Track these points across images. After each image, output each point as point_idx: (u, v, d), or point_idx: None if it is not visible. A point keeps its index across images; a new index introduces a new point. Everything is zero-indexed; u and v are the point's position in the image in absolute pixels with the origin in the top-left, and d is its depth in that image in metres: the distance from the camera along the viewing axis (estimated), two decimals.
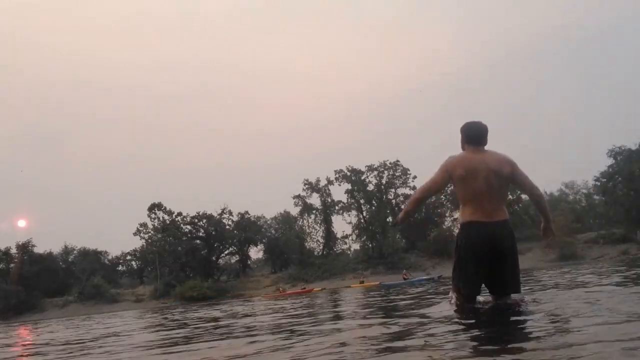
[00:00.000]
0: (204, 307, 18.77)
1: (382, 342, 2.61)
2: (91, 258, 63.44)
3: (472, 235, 3.36)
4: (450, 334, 2.58)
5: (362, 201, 59.53)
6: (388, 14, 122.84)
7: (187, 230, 60.41)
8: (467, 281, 3.41)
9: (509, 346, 2.13)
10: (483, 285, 3.48)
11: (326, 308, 7.46)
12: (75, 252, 65.76)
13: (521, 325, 2.71)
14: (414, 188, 59.64)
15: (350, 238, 61.62)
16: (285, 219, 64.11)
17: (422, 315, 3.68)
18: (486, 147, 3.54)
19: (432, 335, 2.64)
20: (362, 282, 38.61)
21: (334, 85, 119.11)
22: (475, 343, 2.29)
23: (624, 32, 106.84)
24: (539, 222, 3.81)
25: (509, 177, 3.38)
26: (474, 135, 3.53)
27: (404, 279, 33.66)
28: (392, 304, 6.29)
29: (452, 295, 3.61)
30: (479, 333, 2.59)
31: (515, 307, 3.27)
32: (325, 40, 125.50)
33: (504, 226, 3.36)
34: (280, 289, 41.01)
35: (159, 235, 57.65)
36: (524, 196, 56.88)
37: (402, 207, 56.52)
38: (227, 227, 60.31)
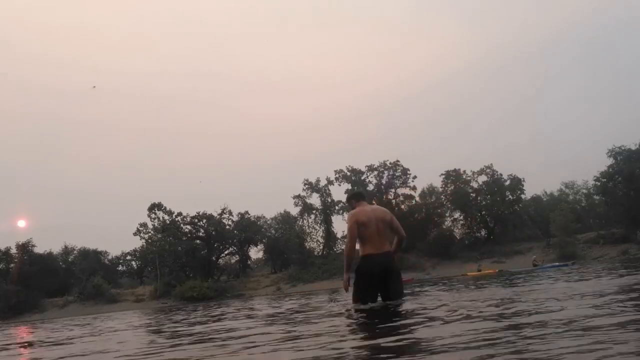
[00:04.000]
0: (219, 305, 16.54)
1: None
2: (91, 258, 63.35)
3: (368, 264, 4.79)
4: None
5: None
6: (389, 16, 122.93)
7: (187, 230, 60.35)
8: (364, 293, 4.81)
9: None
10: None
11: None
12: (75, 252, 65.78)
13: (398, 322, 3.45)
14: (414, 188, 59.63)
15: None
16: (285, 219, 64.07)
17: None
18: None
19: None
20: (479, 270, 37.91)
21: (334, 87, 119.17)
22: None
23: (625, 32, 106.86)
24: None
25: (389, 222, 4.97)
26: (361, 196, 5.28)
27: (534, 265, 32.49)
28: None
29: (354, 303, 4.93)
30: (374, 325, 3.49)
31: (398, 306, 4.46)
32: (327, 41, 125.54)
33: (389, 255, 4.88)
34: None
35: (159, 235, 57.51)
36: (523, 196, 57.28)
37: (399, 205, 57.08)
38: (227, 227, 60.24)
